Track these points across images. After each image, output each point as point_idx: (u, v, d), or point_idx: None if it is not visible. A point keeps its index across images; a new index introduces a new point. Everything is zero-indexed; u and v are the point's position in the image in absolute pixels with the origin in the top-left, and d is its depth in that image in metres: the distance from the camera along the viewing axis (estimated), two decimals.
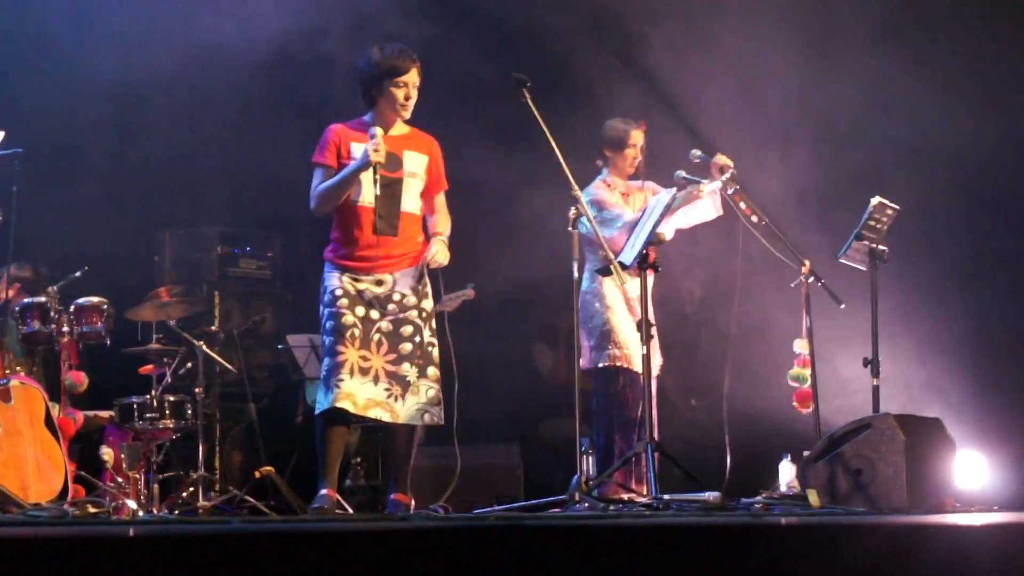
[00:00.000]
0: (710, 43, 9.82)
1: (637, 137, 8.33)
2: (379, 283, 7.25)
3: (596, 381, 8.19)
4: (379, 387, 7.16)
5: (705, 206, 8.21)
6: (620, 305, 8.17)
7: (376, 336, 7.21)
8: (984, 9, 9.74)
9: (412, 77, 7.29)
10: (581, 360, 8.10)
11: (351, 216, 7.26)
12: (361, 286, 7.22)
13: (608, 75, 10.11)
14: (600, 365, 8.18)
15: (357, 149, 7.22)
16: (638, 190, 8.39)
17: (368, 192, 7.21)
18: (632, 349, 8.11)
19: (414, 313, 7.28)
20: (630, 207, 8.27)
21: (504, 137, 9.62)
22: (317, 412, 7.17)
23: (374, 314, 7.22)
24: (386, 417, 7.19)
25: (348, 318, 7.14)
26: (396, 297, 7.26)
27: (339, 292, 7.18)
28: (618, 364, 8.14)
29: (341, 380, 7.07)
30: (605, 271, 7.44)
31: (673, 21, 9.79)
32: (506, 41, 9.94)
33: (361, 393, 7.10)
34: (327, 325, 7.16)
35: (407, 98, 7.30)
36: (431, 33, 9.18)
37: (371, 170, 7.15)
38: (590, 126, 8.55)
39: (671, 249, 8.60)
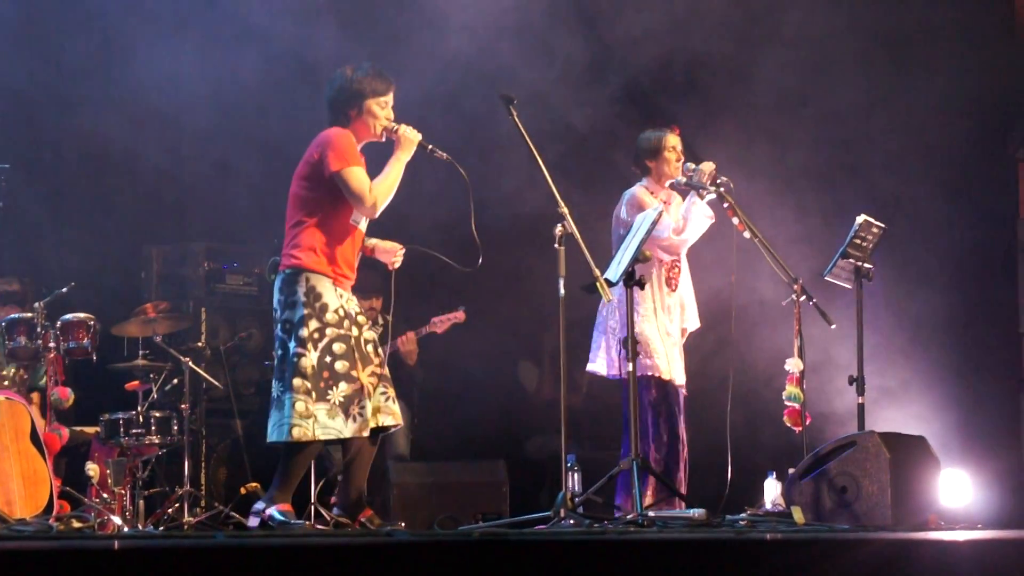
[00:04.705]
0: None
1: (673, 140, 8.43)
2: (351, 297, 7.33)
3: (626, 390, 7.92)
4: (377, 392, 7.20)
5: (701, 213, 8.26)
6: (651, 315, 8.20)
7: (368, 348, 7.24)
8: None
9: (391, 98, 7.35)
10: (608, 369, 8.22)
11: (344, 234, 7.26)
12: (349, 306, 7.23)
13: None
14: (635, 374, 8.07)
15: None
16: (679, 196, 8.47)
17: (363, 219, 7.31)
18: (662, 359, 8.18)
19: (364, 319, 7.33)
20: (671, 216, 8.32)
21: (491, 156, 9.65)
22: (327, 437, 7.12)
23: (363, 328, 7.25)
24: (388, 421, 7.22)
25: (352, 340, 7.16)
26: (358, 307, 7.32)
27: (342, 312, 7.15)
28: (649, 374, 8.14)
29: (364, 408, 7.10)
30: (591, 288, 7.44)
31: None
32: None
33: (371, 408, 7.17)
34: (334, 347, 7.11)
35: (388, 118, 7.33)
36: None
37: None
38: None
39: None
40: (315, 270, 7.17)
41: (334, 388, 7.07)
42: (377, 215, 7.26)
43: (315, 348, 7.09)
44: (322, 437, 7.09)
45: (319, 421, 7.05)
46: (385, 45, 9.62)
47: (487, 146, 9.24)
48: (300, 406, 7.03)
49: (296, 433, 7.04)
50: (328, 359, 7.09)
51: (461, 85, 9.48)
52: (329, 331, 7.11)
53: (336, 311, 7.14)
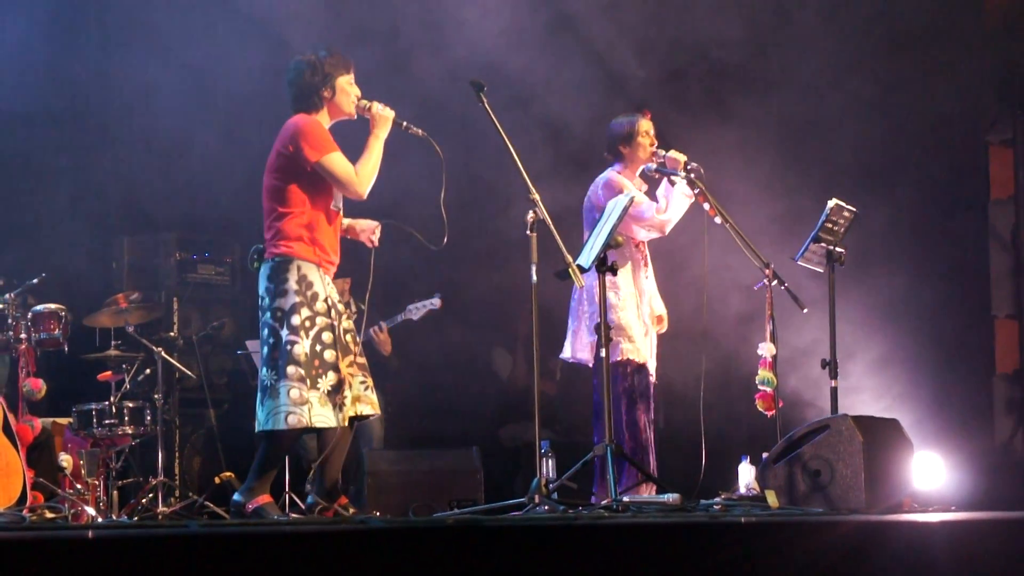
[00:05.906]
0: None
1: (646, 125, 8.37)
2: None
3: (599, 376, 7.72)
4: (356, 381, 7.19)
5: (680, 191, 8.25)
6: (631, 300, 8.19)
7: (347, 337, 7.23)
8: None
9: (353, 76, 7.36)
10: (581, 353, 8.17)
11: (326, 219, 7.23)
12: (332, 294, 7.21)
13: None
14: (612, 359, 7.84)
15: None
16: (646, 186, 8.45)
17: (339, 198, 7.27)
18: (640, 344, 8.16)
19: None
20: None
21: (464, 144, 9.64)
22: (322, 425, 7.08)
23: (342, 317, 7.24)
24: (367, 410, 7.22)
25: (336, 329, 7.14)
26: (337, 296, 7.30)
27: (329, 302, 7.13)
28: (627, 358, 8.12)
29: (346, 397, 7.10)
30: (563, 274, 7.43)
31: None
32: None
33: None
34: (323, 336, 7.08)
35: (358, 95, 7.32)
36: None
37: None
38: None
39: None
40: (305, 258, 7.13)
41: (324, 377, 7.07)
42: (365, 197, 7.24)
43: (307, 336, 7.07)
44: (317, 424, 7.06)
45: (314, 408, 7.03)
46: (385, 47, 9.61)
47: (468, 134, 9.25)
48: (295, 394, 7.00)
49: (291, 420, 7.01)
50: (319, 348, 7.08)
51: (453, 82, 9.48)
52: (319, 320, 7.09)
53: (325, 300, 7.13)
